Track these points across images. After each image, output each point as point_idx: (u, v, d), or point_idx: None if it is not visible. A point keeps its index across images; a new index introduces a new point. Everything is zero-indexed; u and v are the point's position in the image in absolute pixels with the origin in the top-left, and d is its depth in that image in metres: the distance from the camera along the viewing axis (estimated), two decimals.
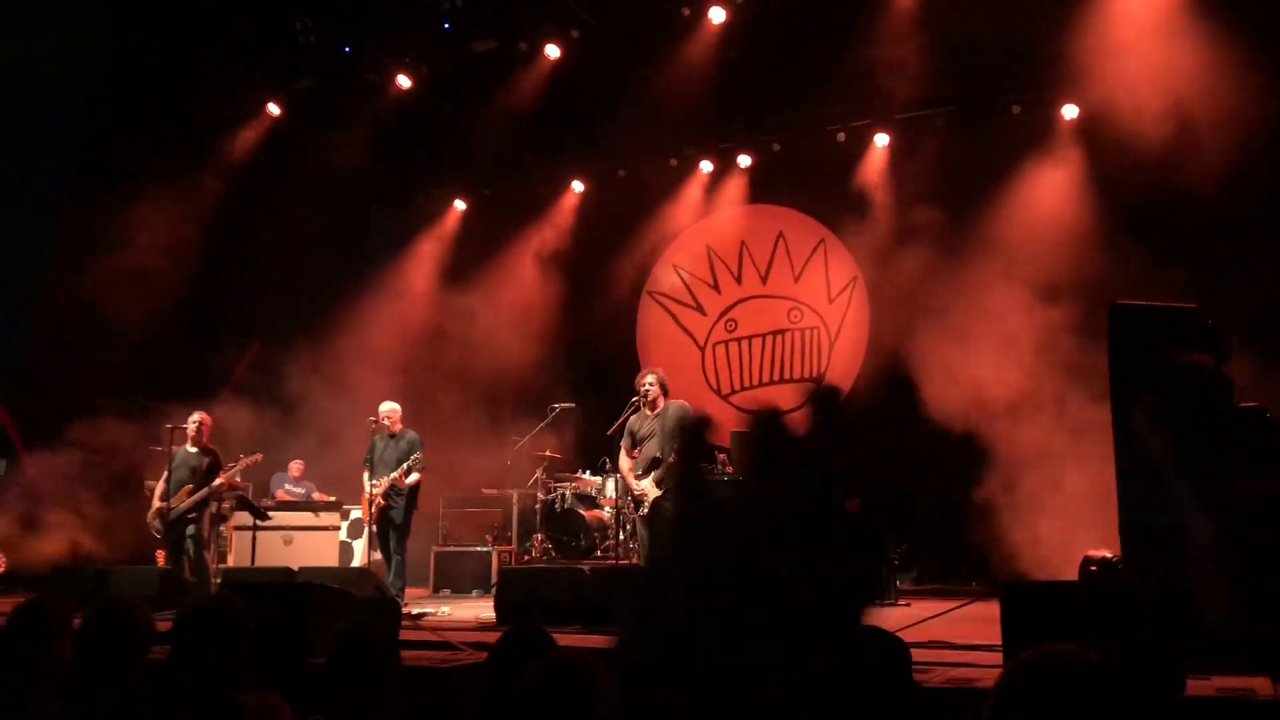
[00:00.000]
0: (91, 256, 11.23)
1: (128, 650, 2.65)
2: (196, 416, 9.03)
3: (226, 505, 10.01)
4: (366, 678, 2.71)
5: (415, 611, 8.07)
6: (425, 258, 13.73)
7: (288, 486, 11.25)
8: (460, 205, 13.94)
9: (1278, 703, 3.68)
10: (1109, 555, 6.13)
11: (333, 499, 10.94)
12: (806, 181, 12.35)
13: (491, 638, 6.04)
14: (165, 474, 8.96)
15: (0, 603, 9.01)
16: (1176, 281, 8.43)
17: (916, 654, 3.97)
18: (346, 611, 5.69)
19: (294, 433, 11.89)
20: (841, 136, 11.91)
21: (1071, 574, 6.85)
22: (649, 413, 7.79)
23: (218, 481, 8.85)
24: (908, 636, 5.74)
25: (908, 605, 8.98)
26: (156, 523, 8.89)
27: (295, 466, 11.49)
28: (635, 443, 7.83)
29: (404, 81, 12.12)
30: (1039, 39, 10.49)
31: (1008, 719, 1.78)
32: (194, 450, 8.94)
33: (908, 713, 2.24)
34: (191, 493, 8.76)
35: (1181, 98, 9.90)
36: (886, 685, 2.30)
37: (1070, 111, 10.81)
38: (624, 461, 7.95)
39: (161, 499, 8.86)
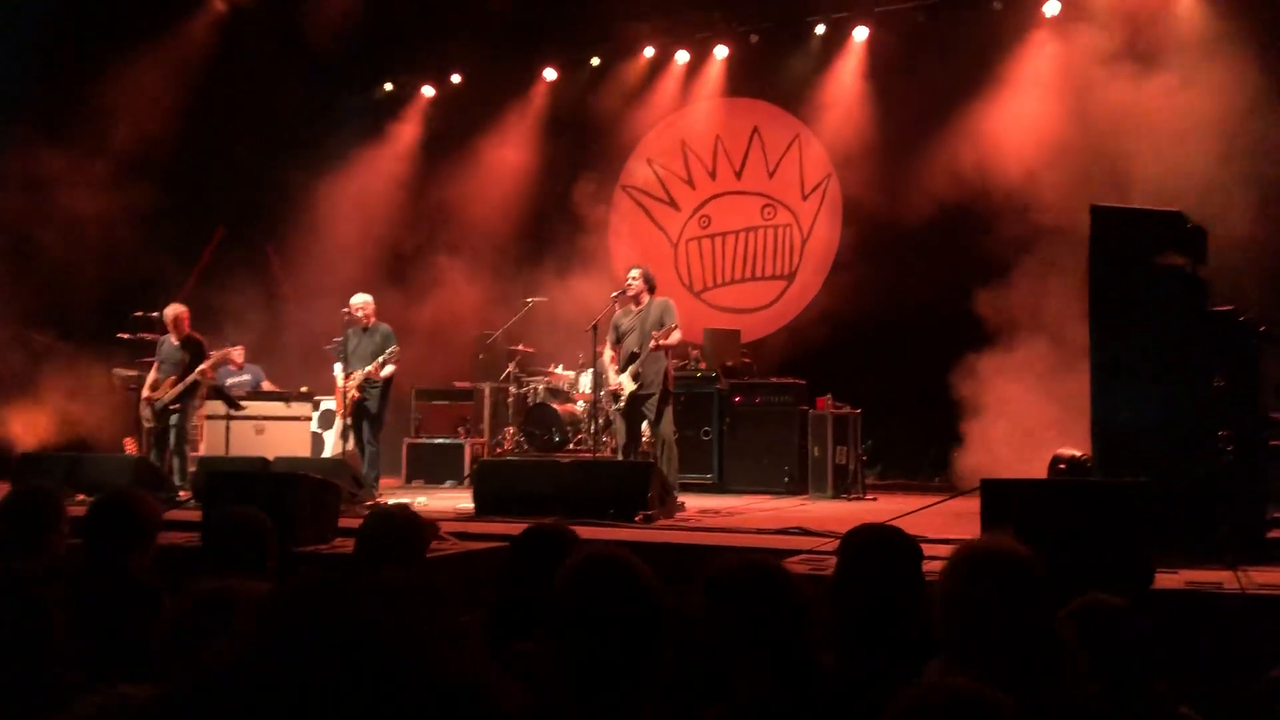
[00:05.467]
0: (50, 141, 10.87)
1: (137, 539, 2.65)
2: (172, 309, 8.96)
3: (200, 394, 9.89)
4: (391, 567, 2.74)
5: (391, 501, 8.14)
6: (393, 145, 13.42)
7: (230, 381, 10.70)
8: (429, 92, 13.59)
9: (1243, 595, 3.83)
10: (1078, 454, 6.29)
11: (281, 390, 10.68)
12: (784, 75, 12.17)
13: (474, 528, 6.15)
14: (155, 364, 9.03)
15: None
16: (1156, 182, 8.43)
17: None
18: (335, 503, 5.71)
19: (259, 320, 11.76)
20: (821, 29, 11.72)
21: (1035, 473, 7.00)
22: (633, 307, 7.78)
23: (200, 371, 8.81)
24: None
25: (874, 500, 9.21)
26: (147, 412, 8.93)
27: (236, 353, 10.91)
28: (619, 338, 7.84)
29: None
30: None
31: (952, 600, 2.10)
32: (176, 343, 8.93)
33: (921, 608, 2.32)
34: (174, 384, 8.75)
35: None
36: (907, 583, 2.38)
37: (1052, 8, 10.68)
38: (607, 355, 7.97)
39: (151, 389, 8.90)
